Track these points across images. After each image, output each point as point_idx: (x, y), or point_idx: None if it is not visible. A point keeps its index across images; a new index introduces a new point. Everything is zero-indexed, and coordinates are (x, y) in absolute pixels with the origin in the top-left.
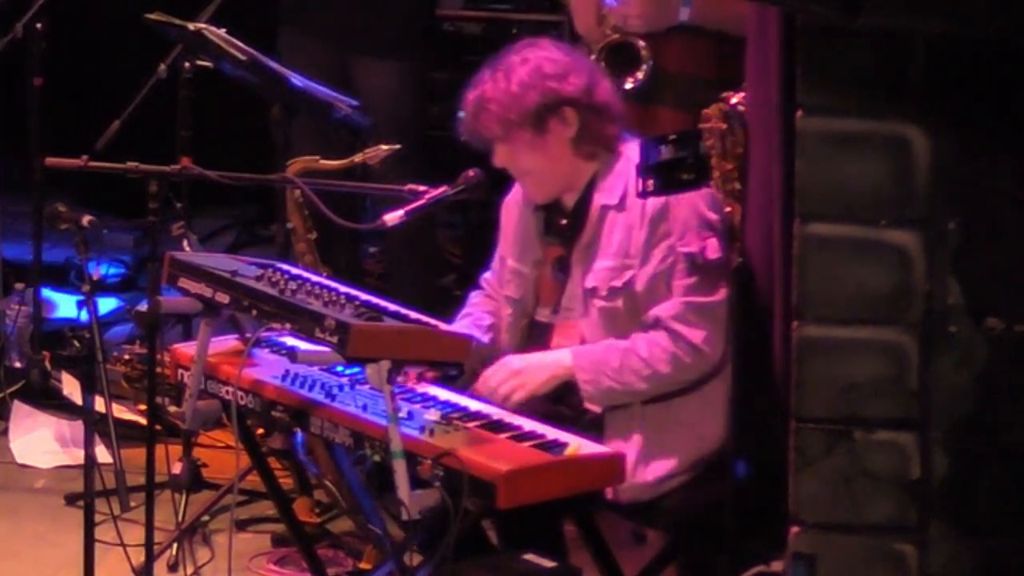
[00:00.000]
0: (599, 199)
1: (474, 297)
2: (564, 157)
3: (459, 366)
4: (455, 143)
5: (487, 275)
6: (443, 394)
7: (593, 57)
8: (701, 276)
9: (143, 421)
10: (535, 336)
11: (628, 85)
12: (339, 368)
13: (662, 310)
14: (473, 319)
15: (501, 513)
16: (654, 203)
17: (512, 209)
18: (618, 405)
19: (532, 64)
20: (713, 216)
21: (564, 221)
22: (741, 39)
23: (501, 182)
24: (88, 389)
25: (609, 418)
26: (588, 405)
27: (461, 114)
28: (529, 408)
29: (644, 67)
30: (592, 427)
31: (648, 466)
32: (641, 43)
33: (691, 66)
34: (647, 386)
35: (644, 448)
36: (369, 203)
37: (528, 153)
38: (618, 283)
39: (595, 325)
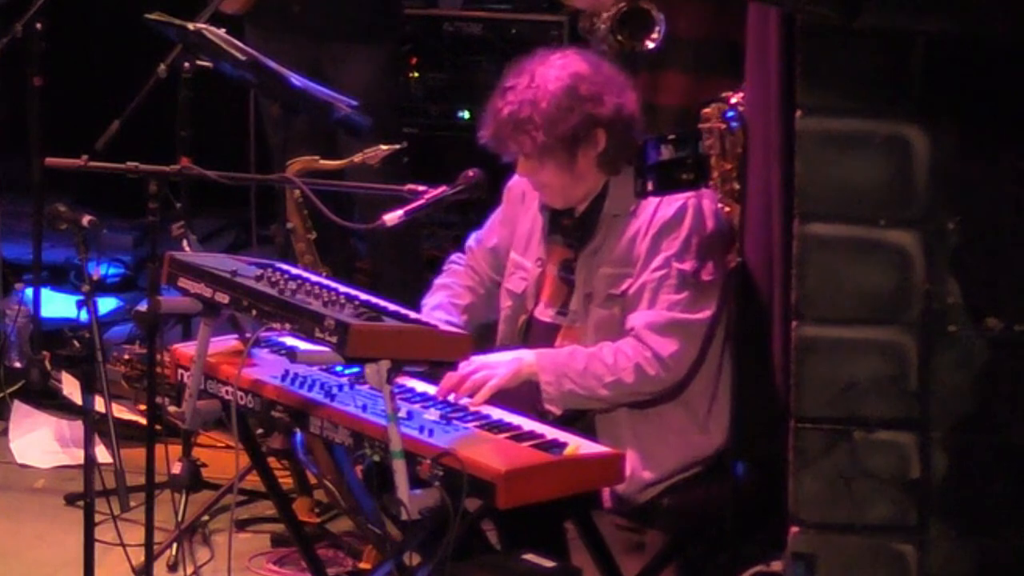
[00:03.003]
0: (611, 207)
1: (456, 264)
2: (588, 172)
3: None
4: (455, 143)
5: (472, 242)
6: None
7: (603, 27)
8: (690, 294)
9: (143, 421)
10: (540, 335)
11: (649, 45)
12: (339, 368)
13: (638, 318)
14: (450, 295)
15: (502, 513)
16: (663, 215)
17: (517, 198)
18: (608, 411)
19: (568, 83)
20: (718, 235)
21: (567, 221)
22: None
23: (501, 182)
24: (88, 389)
25: (600, 423)
26: (547, 406)
27: (488, 120)
28: (525, 407)
29: (658, 28)
30: (587, 431)
31: (640, 471)
32: (654, 9)
33: (700, 30)
34: (609, 393)
35: (636, 453)
36: (357, 203)
37: (555, 171)
38: (616, 291)
39: (592, 331)
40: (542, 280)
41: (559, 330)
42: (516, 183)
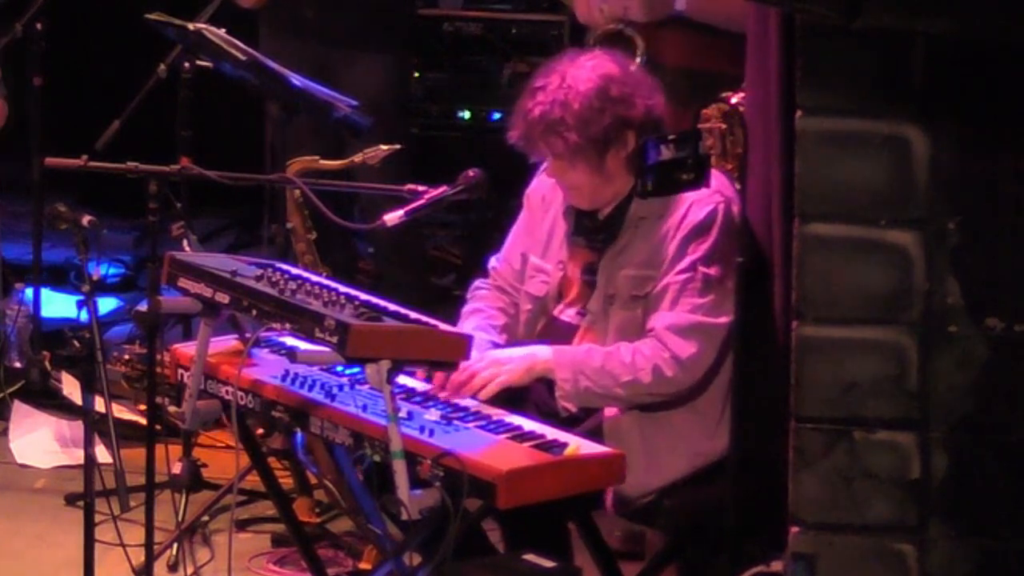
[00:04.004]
0: (637, 210)
1: (481, 289)
2: (618, 174)
3: (456, 366)
4: (455, 143)
5: (495, 263)
6: (443, 393)
7: (591, 44)
8: (714, 298)
9: (143, 421)
10: (559, 335)
11: None
12: (339, 368)
13: (660, 319)
14: (486, 317)
15: (506, 514)
16: (692, 219)
17: (538, 203)
18: (614, 420)
19: (599, 85)
20: (740, 241)
21: (591, 224)
22: (735, 33)
23: (501, 182)
24: (88, 389)
25: (608, 430)
26: (562, 403)
27: (518, 121)
28: (529, 406)
29: (638, 60)
30: (593, 434)
31: (647, 478)
32: (637, 36)
33: (685, 59)
34: (625, 392)
35: (644, 460)
36: (359, 204)
37: (586, 172)
38: (639, 292)
39: (613, 332)
40: (565, 283)
41: (577, 330)
42: (535, 189)
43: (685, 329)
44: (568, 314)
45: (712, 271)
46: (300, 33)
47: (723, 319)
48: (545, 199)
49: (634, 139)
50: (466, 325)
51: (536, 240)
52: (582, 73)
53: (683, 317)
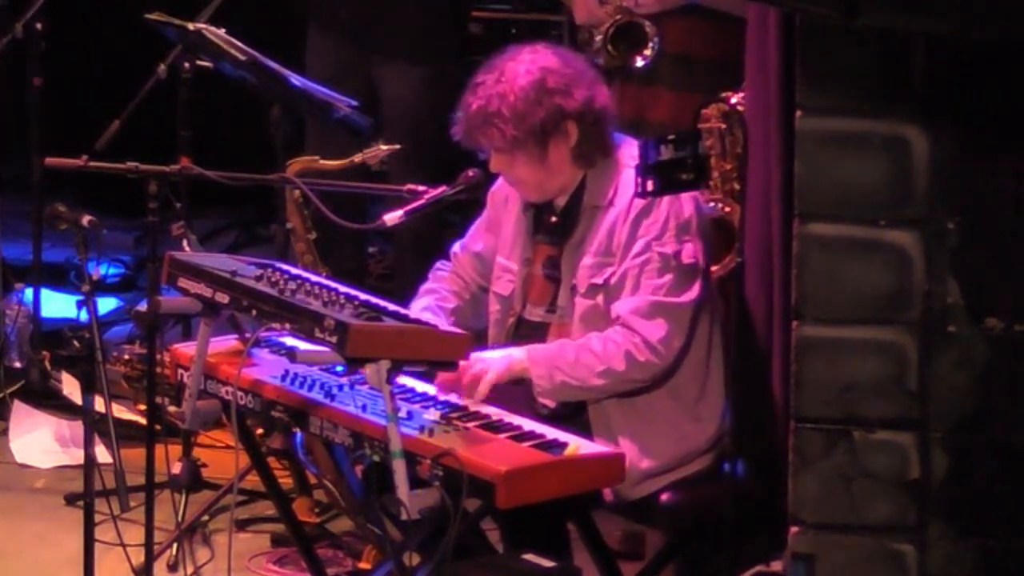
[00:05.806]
0: (589, 199)
1: (441, 271)
2: (562, 166)
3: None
4: (454, 143)
5: (457, 250)
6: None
7: (599, 39)
8: (673, 277)
9: (143, 421)
10: (530, 335)
11: (639, 63)
12: (339, 368)
13: (623, 305)
14: (437, 299)
15: (505, 514)
16: (639, 202)
17: (500, 203)
18: (599, 405)
19: (536, 77)
20: (696, 220)
21: (554, 219)
22: (741, 19)
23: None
24: (88, 389)
25: (593, 417)
26: (541, 400)
27: (459, 116)
28: (523, 408)
29: (651, 45)
30: (583, 426)
31: (636, 461)
32: (646, 22)
33: (691, 46)
34: (603, 382)
35: (630, 443)
36: (370, 204)
37: (527, 165)
38: (598, 280)
39: (577, 323)
40: (529, 280)
41: (548, 328)
42: (499, 188)
43: (649, 311)
44: (536, 313)
45: (666, 248)
46: (338, 34)
47: (685, 297)
48: (508, 199)
49: (575, 130)
50: (418, 304)
51: (502, 240)
52: (520, 67)
53: (645, 300)
